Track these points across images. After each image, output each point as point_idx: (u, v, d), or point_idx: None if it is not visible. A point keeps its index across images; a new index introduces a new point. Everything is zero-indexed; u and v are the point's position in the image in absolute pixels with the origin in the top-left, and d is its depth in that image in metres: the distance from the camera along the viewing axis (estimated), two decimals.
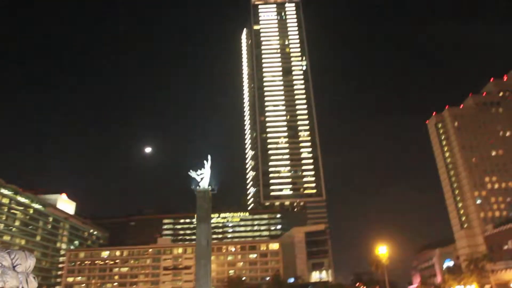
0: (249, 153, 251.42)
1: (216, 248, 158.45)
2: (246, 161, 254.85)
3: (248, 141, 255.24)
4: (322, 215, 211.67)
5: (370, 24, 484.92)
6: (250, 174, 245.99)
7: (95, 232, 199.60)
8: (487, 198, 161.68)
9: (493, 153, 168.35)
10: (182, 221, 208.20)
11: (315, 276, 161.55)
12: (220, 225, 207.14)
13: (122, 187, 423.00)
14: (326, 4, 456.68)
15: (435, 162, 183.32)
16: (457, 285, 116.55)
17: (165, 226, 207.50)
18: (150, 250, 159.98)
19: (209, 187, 66.98)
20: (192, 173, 69.72)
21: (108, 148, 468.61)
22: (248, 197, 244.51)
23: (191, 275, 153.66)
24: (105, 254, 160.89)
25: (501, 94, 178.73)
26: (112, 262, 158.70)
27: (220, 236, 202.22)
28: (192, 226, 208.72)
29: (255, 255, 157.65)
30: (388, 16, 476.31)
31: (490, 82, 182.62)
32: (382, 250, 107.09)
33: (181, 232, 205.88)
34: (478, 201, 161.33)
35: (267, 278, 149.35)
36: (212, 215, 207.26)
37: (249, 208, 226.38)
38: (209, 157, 67.90)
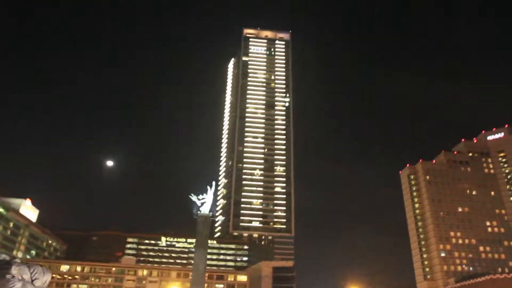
0: (222, 181, 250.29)
1: (183, 274, 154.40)
2: (218, 189, 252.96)
3: (222, 169, 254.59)
4: (290, 251, 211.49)
5: (352, 69, 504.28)
6: (221, 202, 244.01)
7: (53, 244, 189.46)
8: (451, 252, 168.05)
9: (459, 209, 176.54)
10: (146, 241, 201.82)
11: None
12: (186, 250, 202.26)
13: (88, 201, 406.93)
14: (316, 45, 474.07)
15: (404, 211, 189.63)
16: None
17: (129, 245, 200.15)
18: (114, 268, 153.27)
19: (210, 213, 66.68)
20: (193, 197, 69.13)
21: (76, 160, 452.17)
22: (216, 225, 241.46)
23: None
24: (64, 268, 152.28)
25: (470, 154, 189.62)
26: (70, 278, 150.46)
27: (184, 261, 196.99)
28: (156, 248, 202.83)
29: (222, 286, 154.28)
30: (379, 66, 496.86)
31: (462, 142, 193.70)
32: None
33: (145, 253, 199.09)
34: (442, 254, 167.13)
35: None
36: (179, 239, 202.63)
37: (215, 236, 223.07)
38: (213, 183, 67.90)
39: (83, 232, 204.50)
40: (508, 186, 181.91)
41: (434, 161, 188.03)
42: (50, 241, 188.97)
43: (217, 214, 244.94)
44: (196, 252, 56.60)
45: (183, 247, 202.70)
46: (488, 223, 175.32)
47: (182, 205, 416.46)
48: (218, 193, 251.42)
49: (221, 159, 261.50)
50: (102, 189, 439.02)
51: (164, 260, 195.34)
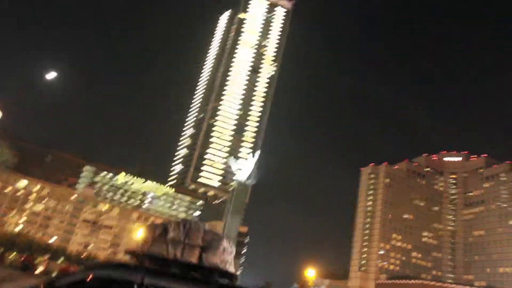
0: (189, 130, 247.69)
1: (144, 217, 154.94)
2: (181, 137, 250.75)
3: (192, 119, 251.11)
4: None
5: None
6: (182, 151, 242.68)
7: (5, 152, 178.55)
8: (388, 251, 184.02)
9: (405, 216, 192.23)
10: (104, 173, 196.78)
11: None
12: (141, 191, 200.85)
13: (50, 114, 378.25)
14: (314, 24, 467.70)
15: (357, 205, 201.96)
16: None
17: (84, 173, 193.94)
18: (75, 195, 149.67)
19: (249, 181, 68.00)
20: (232, 162, 70.18)
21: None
22: (172, 173, 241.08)
23: (109, 235, 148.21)
24: (22, 183, 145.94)
25: (427, 169, 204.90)
26: (25, 196, 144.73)
27: (137, 202, 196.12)
28: (111, 183, 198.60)
29: None
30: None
31: (423, 156, 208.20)
32: (311, 273, 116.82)
33: (99, 185, 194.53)
34: (381, 252, 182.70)
35: None
36: (139, 180, 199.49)
37: (170, 183, 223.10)
38: (258, 152, 68.76)
39: (39, 147, 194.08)
40: (449, 205, 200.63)
41: (396, 166, 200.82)
42: (1, 149, 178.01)
43: (175, 162, 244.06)
44: (231, 217, 58.38)
45: (139, 188, 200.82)
46: (424, 233, 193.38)
47: (145, 143, 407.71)
48: (182, 141, 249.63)
49: (191, 108, 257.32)
50: (67, 106, 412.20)
51: (116, 197, 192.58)
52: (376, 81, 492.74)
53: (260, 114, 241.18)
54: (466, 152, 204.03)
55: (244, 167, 63.99)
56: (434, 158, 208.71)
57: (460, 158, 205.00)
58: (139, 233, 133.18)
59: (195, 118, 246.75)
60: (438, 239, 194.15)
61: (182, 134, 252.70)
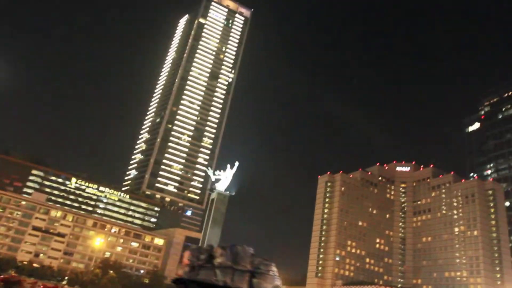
0: (144, 135, 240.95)
1: (99, 225, 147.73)
2: (137, 142, 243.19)
3: (147, 123, 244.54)
4: (197, 223, 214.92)
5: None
6: (137, 157, 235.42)
7: None
8: (344, 258, 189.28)
9: (360, 223, 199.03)
10: (54, 178, 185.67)
11: None
12: (95, 197, 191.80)
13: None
14: (273, 31, 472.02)
15: (313, 213, 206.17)
16: None
17: (32, 178, 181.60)
18: (24, 202, 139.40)
19: (228, 192, 67.19)
20: (209, 172, 68.96)
21: None
22: (126, 178, 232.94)
23: (63, 244, 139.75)
24: None
25: (380, 178, 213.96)
26: None
27: (90, 208, 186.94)
28: (63, 188, 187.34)
29: (137, 244, 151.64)
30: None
31: (376, 166, 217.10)
32: None
33: (48, 190, 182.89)
34: (337, 258, 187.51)
35: (142, 271, 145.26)
36: (91, 185, 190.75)
37: (124, 189, 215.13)
38: (236, 163, 68.13)
39: None
40: (400, 213, 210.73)
41: (351, 175, 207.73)
42: None
43: (130, 167, 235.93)
44: (211, 229, 57.56)
45: (92, 193, 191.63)
46: (377, 240, 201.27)
47: (97, 147, 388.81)
48: (136, 147, 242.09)
49: (148, 113, 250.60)
50: (12, 107, 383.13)
51: (68, 202, 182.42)
52: (331, 93, 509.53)
53: (217, 120, 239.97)
54: (414, 162, 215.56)
55: (222, 178, 63.28)
56: (386, 168, 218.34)
57: (409, 168, 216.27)
58: (97, 241, 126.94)
59: (151, 124, 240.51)
60: (389, 245, 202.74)
61: (139, 138, 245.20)
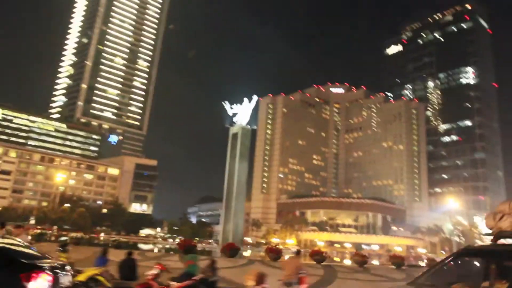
0: (69, 58, 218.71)
1: (48, 159, 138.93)
2: (61, 65, 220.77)
3: (72, 45, 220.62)
4: (139, 149, 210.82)
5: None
6: (64, 81, 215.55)
7: None
8: (286, 174, 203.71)
9: (300, 142, 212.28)
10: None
11: (135, 207, 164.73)
12: (26, 128, 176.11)
13: None
14: None
15: (255, 134, 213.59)
16: (274, 238, 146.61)
17: None
18: None
19: (249, 126, 67.87)
20: (226, 105, 68.21)
21: None
22: (53, 105, 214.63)
23: (8, 182, 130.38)
24: None
25: (317, 99, 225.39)
26: None
27: (22, 140, 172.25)
28: (23, 126, 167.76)
29: (91, 176, 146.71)
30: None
31: (313, 88, 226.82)
32: None
33: None
34: (280, 175, 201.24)
35: (99, 202, 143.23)
36: (19, 115, 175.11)
37: (55, 118, 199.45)
38: (254, 97, 68.13)
39: None
40: (334, 131, 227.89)
41: (291, 97, 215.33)
42: None
43: (57, 93, 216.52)
44: (240, 164, 59.74)
45: (22, 124, 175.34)
46: (314, 156, 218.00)
47: (22, 73, 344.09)
48: (61, 70, 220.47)
49: (70, 31, 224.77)
50: None
51: None
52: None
53: (153, 41, 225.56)
54: (348, 84, 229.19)
55: (241, 112, 64.09)
56: (322, 90, 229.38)
57: (342, 90, 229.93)
58: (58, 177, 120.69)
59: (77, 45, 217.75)
60: (324, 161, 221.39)
61: (61, 61, 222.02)
